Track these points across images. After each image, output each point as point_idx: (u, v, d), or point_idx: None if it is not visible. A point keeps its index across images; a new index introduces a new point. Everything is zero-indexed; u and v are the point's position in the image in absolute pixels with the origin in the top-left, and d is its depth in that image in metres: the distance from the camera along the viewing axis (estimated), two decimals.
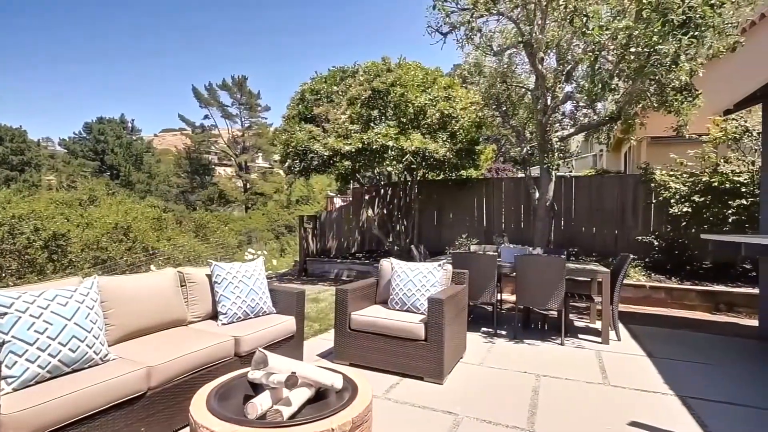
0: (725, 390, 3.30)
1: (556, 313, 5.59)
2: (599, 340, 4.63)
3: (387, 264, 4.21)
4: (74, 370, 2.25)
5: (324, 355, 4.07)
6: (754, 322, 5.55)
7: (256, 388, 2.22)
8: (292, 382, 2.02)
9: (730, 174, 7.08)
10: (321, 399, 2.21)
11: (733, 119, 7.39)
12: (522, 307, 4.95)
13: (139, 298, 2.90)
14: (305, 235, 10.85)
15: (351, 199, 13.83)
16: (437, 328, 3.34)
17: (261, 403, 1.97)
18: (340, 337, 3.79)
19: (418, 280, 3.81)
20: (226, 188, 38.01)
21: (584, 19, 4.06)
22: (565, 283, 4.54)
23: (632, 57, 4.13)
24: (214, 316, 3.41)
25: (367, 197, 10.68)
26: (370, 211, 10.56)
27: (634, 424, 2.68)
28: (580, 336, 4.87)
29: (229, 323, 3.28)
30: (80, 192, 16.18)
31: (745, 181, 6.93)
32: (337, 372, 2.37)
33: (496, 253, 5.10)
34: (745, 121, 7.41)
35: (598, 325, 5.34)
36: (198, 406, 1.99)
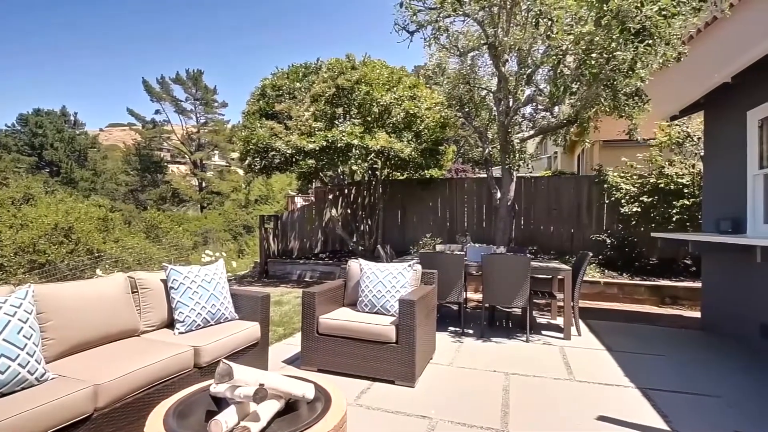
0: (679, 380, 3.48)
1: (519, 310, 5.73)
2: (561, 335, 4.77)
3: (355, 265, 4.10)
4: (3, 395, 1.97)
5: (290, 362, 3.89)
6: (697, 314, 5.95)
7: (220, 402, 2.05)
8: (261, 395, 1.87)
9: (674, 176, 7.58)
10: (291, 411, 2.08)
11: (677, 125, 7.92)
12: (488, 305, 5.01)
13: (83, 308, 2.62)
14: (266, 235, 10.50)
15: (313, 198, 13.55)
16: (409, 330, 3.28)
17: (226, 419, 1.81)
18: (308, 342, 3.63)
19: (388, 281, 3.73)
20: (180, 187, 36.16)
21: (549, 23, 4.17)
22: (529, 281, 4.63)
23: (593, 62, 4.28)
24: (170, 324, 3.16)
25: (330, 197, 10.49)
26: (333, 211, 10.38)
27: (602, 418, 2.74)
28: (543, 332, 5.00)
29: (187, 332, 3.04)
30: (13, 190, 14.78)
31: (687, 183, 7.44)
32: (308, 381, 2.24)
33: (463, 253, 5.13)
34: (687, 127, 7.96)
35: (558, 321, 5.51)
36: (154, 426, 1.80)
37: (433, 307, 4.01)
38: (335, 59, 8.44)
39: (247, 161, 8.35)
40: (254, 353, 3.33)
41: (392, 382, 3.31)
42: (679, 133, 7.95)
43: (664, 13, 4.09)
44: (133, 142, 38.56)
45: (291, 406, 2.09)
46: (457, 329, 5.02)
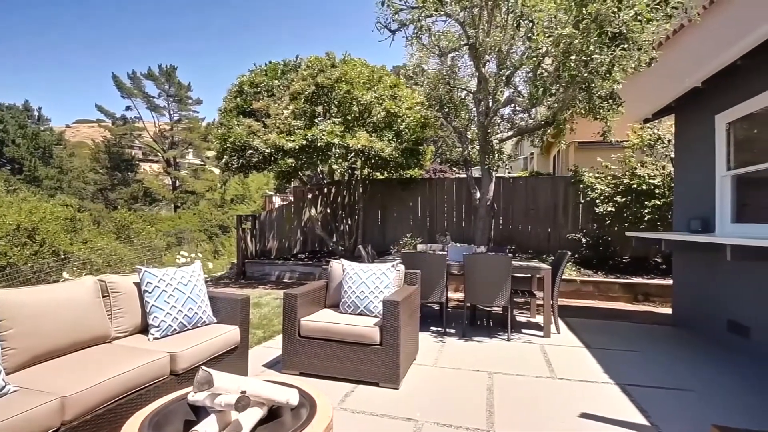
0: (655, 375, 3.57)
1: (500, 309, 5.79)
2: (541, 333, 4.84)
3: (338, 266, 4.03)
4: None
5: (270, 365, 3.79)
6: (668, 310, 6.16)
7: (199, 411, 1.96)
8: (243, 403, 1.79)
9: (646, 177, 7.83)
10: (275, 418, 2.00)
11: (648, 128, 8.18)
12: (469, 304, 5.03)
13: (48, 314, 2.46)
14: (243, 235, 10.27)
15: (292, 198, 13.34)
16: (393, 332, 3.24)
17: (206, 430, 1.73)
18: (289, 345, 3.55)
19: (371, 282, 3.69)
20: (152, 186, 35.03)
21: (530, 24, 4.23)
22: (510, 280, 4.68)
23: (572, 64, 4.36)
24: (144, 329, 3.01)
25: (309, 196, 10.35)
26: (312, 211, 10.25)
27: (584, 415, 2.78)
28: (523, 331, 5.06)
29: (162, 337, 2.91)
30: None
31: (658, 184, 7.70)
32: (292, 386, 2.17)
33: (445, 253, 5.13)
34: (658, 130, 8.24)
35: (538, 319, 5.60)
36: None
37: (416, 308, 3.99)
38: (315, 57, 8.32)
39: (223, 160, 8.13)
40: (233, 358, 3.22)
41: (376, 385, 3.27)
42: (650, 135, 8.22)
43: (639, 18, 4.21)
44: (103, 139, 37.07)
45: (274, 413, 2.02)
46: (440, 329, 5.02)
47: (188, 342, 2.82)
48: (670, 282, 6.34)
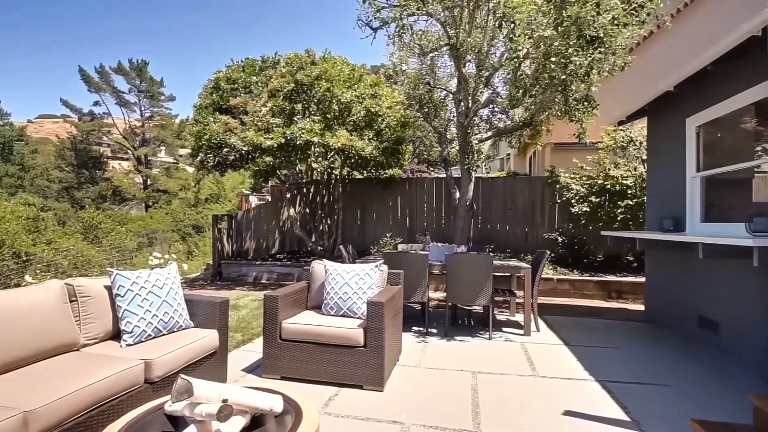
0: (632, 371, 3.67)
1: (480, 308, 5.83)
2: (522, 332, 4.89)
3: (320, 266, 3.95)
4: None
5: (250, 370, 3.68)
6: (640, 307, 6.36)
7: (177, 422, 1.86)
8: (226, 413, 1.71)
9: (619, 178, 8.07)
10: (258, 426, 1.93)
11: (621, 130, 8.44)
12: (451, 304, 5.04)
13: (9, 321, 2.29)
14: (219, 235, 10.00)
15: (270, 197, 13.09)
16: (377, 333, 3.20)
17: None
18: (270, 348, 3.45)
19: (355, 283, 3.63)
20: (122, 184, 33.72)
21: (512, 26, 4.27)
22: (492, 280, 4.71)
23: (552, 65, 4.43)
24: (116, 335, 2.86)
25: (288, 195, 10.17)
26: (291, 210, 10.08)
27: (568, 413, 2.81)
28: (503, 329, 5.11)
29: (136, 343, 2.76)
30: None
31: (631, 185, 7.95)
32: (276, 392, 2.09)
33: (427, 252, 5.13)
34: (630, 132, 8.51)
35: (517, 317, 5.67)
36: None
37: (400, 308, 3.95)
38: (294, 54, 8.18)
39: (199, 158, 7.89)
40: (212, 363, 3.10)
41: (361, 387, 3.21)
42: (623, 137, 8.48)
43: (616, 22, 4.32)
44: (68, 136, 35.37)
45: (258, 421, 1.94)
46: (422, 329, 5.01)
47: (164, 348, 2.69)
48: (642, 279, 6.55)
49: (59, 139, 36.33)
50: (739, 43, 3.56)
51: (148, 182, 35.39)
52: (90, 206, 25.69)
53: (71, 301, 2.73)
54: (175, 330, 3.01)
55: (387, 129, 8.17)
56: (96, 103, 35.75)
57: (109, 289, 2.90)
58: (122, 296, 2.82)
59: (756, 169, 4.44)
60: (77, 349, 2.66)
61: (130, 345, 2.74)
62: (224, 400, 1.82)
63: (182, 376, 1.82)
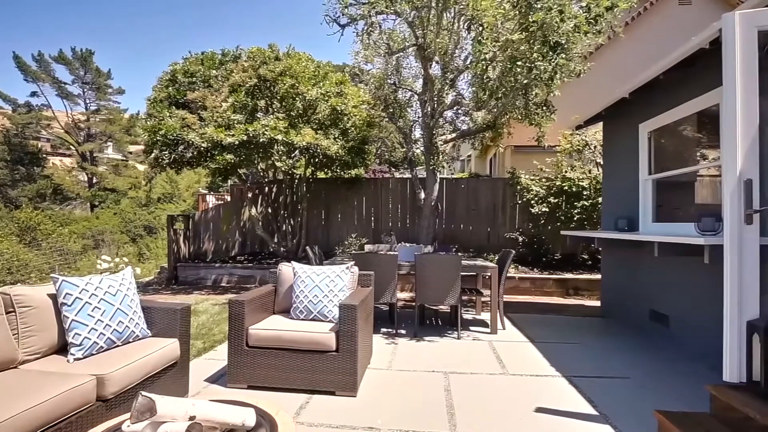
0: (595, 365, 3.82)
1: (447, 308, 5.88)
2: (488, 330, 4.98)
3: (288, 269, 3.81)
4: None
5: (214, 380, 3.48)
6: (596, 303, 6.67)
7: None
8: (195, 431, 1.57)
9: (576, 180, 8.44)
10: None
11: (578, 134, 8.83)
12: (419, 304, 5.04)
13: None
14: (176, 237, 9.48)
15: (229, 197, 12.59)
16: (350, 337, 3.11)
17: None
18: (235, 356, 3.27)
19: (325, 285, 3.53)
20: (64, 182, 31.21)
21: (480, 28, 4.34)
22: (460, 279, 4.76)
23: (518, 69, 4.54)
24: (63, 349, 2.59)
25: (249, 195, 9.81)
26: (252, 210, 9.73)
27: (540, 409, 2.87)
28: (470, 328, 5.18)
29: (86, 357, 2.51)
30: None
31: (586, 187, 8.34)
32: (247, 405, 1.96)
33: (396, 253, 5.10)
34: (585, 137, 8.93)
35: (483, 316, 5.77)
36: None
37: (371, 310, 3.89)
38: (257, 48, 7.89)
39: (153, 154, 7.42)
40: (173, 374, 2.89)
41: (332, 393, 3.11)
42: (579, 141, 8.88)
43: (578, 30, 4.49)
44: (1, 128, 32.29)
45: None
46: (390, 330, 4.97)
47: (119, 361, 2.46)
48: (597, 276, 6.88)
49: None
50: (688, 55, 3.79)
51: (94, 180, 33.03)
52: (27, 206, 23.59)
53: (7, 313, 2.44)
54: (131, 340, 2.78)
55: (353, 128, 8.07)
56: (34, 94, 32.83)
57: (53, 297, 2.63)
58: (69, 305, 2.56)
59: (697, 174, 4.78)
60: (15, 367, 2.38)
61: (78, 359, 2.49)
62: (191, 417, 1.68)
63: (143, 393, 1.66)
